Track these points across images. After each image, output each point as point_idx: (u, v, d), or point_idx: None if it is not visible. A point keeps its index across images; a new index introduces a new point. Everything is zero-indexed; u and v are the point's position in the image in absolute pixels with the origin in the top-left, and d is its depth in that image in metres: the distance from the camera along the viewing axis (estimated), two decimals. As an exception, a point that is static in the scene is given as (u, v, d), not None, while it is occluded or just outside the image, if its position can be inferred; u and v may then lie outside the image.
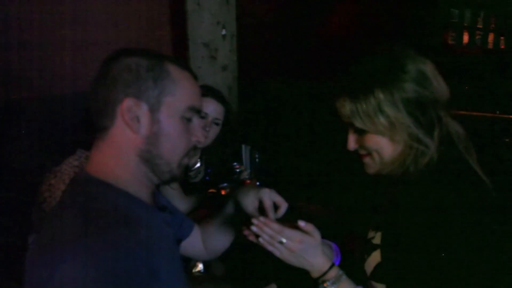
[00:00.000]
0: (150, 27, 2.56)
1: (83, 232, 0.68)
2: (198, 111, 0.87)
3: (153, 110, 0.80)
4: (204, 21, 2.64)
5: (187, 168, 1.94)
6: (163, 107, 0.81)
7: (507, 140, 3.87)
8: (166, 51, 2.66)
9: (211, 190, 1.81)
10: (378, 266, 0.98)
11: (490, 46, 7.78)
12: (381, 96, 0.90)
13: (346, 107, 0.95)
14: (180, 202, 1.74)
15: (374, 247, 1.01)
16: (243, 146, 2.20)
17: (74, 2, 2.12)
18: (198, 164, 2.00)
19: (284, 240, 0.93)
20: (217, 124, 1.85)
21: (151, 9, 2.54)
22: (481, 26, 7.64)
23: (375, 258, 1.00)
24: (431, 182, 0.90)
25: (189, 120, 0.86)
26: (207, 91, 1.87)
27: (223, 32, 2.73)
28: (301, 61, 3.55)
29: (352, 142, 1.00)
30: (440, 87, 0.95)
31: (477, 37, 7.56)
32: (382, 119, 0.91)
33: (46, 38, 2.01)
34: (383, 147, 0.95)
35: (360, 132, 0.97)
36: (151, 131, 0.81)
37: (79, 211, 0.73)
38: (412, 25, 5.41)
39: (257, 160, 1.81)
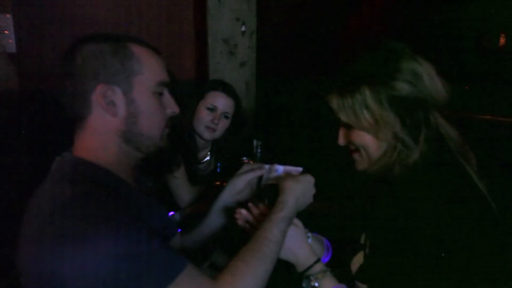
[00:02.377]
0: (171, 22, 2.62)
1: (85, 221, 0.69)
2: (167, 84, 0.91)
3: (126, 91, 0.84)
4: (224, 17, 2.68)
5: (197, 161, 1.99)
6: (135, 87, 0.84)
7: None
8: (186, 46, 2.71)
9: (216, 183, 1.85)
10: (361, 267, 0.99)
11: (531, 49, 7.36)
12: (367, 92, 0.90)
13: (334, 102, 0.95)
14: (184, 191, 1.79)
15: (359, 247, 1.01)
16: (255, 141, 2.22)
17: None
18: (208, 157, 2.05)
19: None
20: (226, 117, 1.88)
21: (172, 4, 2.60)
22: (521, 28, 7.25)
23: (359, 258, 1.00)
24: (409, 183, 0.88)
25: (160, 94, 0.89)
26: (218, 85, 1.91)
27: (243, 28, 2.76)
28: (322, 58, 3.51)
29: (341, 137, 1.01)
30: (434, 88, 0.92)
31: (516, 39, 7.18)
32: (366, 115, 0.90)
33: (60, 31, 2.11)
34: (368, 144, 0.95)
35: (348, 127, 0.98)
36: (129, 111, 0.84)
37: (70, 189, 0.75)
38: (444, 26, 5.20)
39: (259, 154, 1.83)
